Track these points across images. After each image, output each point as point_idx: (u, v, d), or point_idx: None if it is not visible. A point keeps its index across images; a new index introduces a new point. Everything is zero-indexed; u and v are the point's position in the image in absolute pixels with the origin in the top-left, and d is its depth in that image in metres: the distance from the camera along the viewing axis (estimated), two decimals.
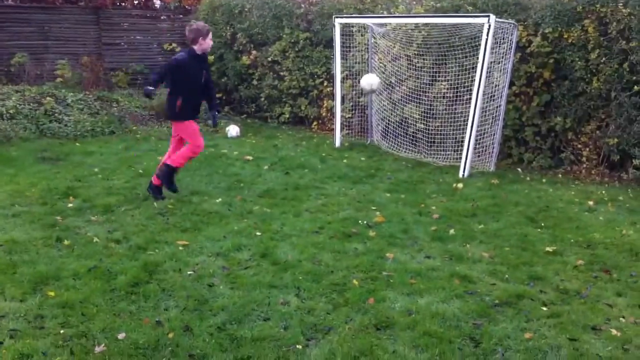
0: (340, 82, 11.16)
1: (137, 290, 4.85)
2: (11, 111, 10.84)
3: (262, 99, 13.55)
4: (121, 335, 4.15)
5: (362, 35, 11.40)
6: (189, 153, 7.36)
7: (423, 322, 4.45)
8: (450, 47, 10.02)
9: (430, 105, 10.50)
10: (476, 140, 9.13)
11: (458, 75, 9.95)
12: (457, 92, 10.04)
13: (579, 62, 9.08)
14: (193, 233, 6.18)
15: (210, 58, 14.32)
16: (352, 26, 11.33)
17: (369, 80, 10.24)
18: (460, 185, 8.31)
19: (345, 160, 9.81)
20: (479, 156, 9.50)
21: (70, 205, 6.94)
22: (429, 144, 10.34)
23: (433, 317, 4.54)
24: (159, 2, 16.28)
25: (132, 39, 15.10)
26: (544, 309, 4.74)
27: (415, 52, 10.51)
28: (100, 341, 4.09)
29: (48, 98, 11.54)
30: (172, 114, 7.35)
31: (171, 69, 7.08)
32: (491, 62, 9.03)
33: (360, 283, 5.11)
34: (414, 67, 10.59)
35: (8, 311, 4.45)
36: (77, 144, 10.38)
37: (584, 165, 9.26)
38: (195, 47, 7.18)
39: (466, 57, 9.71)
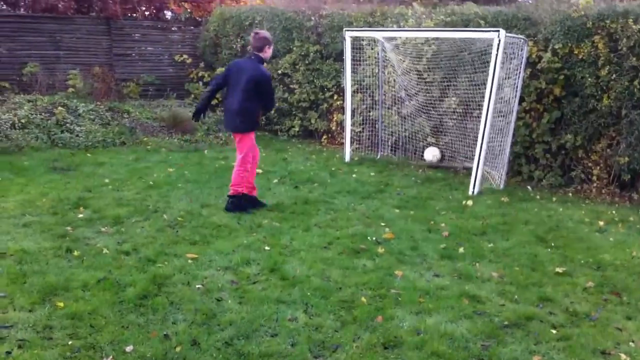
0: (351, 95, 11.18)
1: (146, 303, 4.85)
2: (23, 120, 10.91)
3: (272, 112, 13.61)
4: (129, 348, 4.16)
5: (372, 49, 11.43)
6: (245, 166, 7.47)
7: (431, 342, 4.43)
8: (460, 62, 10.03)
9: (440, 120, 10.52)
10: (486, 157, 9.11)
11: (468, 90, 9.96)
12: (467, 107, 10.05)
13: (589, 79, 9.06)
14: (202, 246, 6.19)
15: (221, 69, 14.40)
16: (362, 39, 11.37)
17: (433, 152, 10.65)
18: (470, 202, 8.29)
19: (354, 175, 9.81)
20: (488, 173, 9.48)
21: (80, 215, 6.97)
22: (441, 160, 10.35)
23: (441, 337, 4.52)
24: (170, 13, 16.39)
25: (143, 49, 15.19)
26: (554, 331, 4.71)
27: (425, 67, 10.54)
28: (108, 353, 4.09)
29: (60, 108, 11.62)
30: (252, 125, 7.46)
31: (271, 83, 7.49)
32: (501, 78, 9.02)
33: (368, 300, 5.10)
34: (424, 82, 10.61)
35: (17, 321, 4.46)
36: (88, 154, 10.44)
37: (595, 184, 9.23)
38: (261, 55, 7.39)
39: (476, 72, 9.72)
